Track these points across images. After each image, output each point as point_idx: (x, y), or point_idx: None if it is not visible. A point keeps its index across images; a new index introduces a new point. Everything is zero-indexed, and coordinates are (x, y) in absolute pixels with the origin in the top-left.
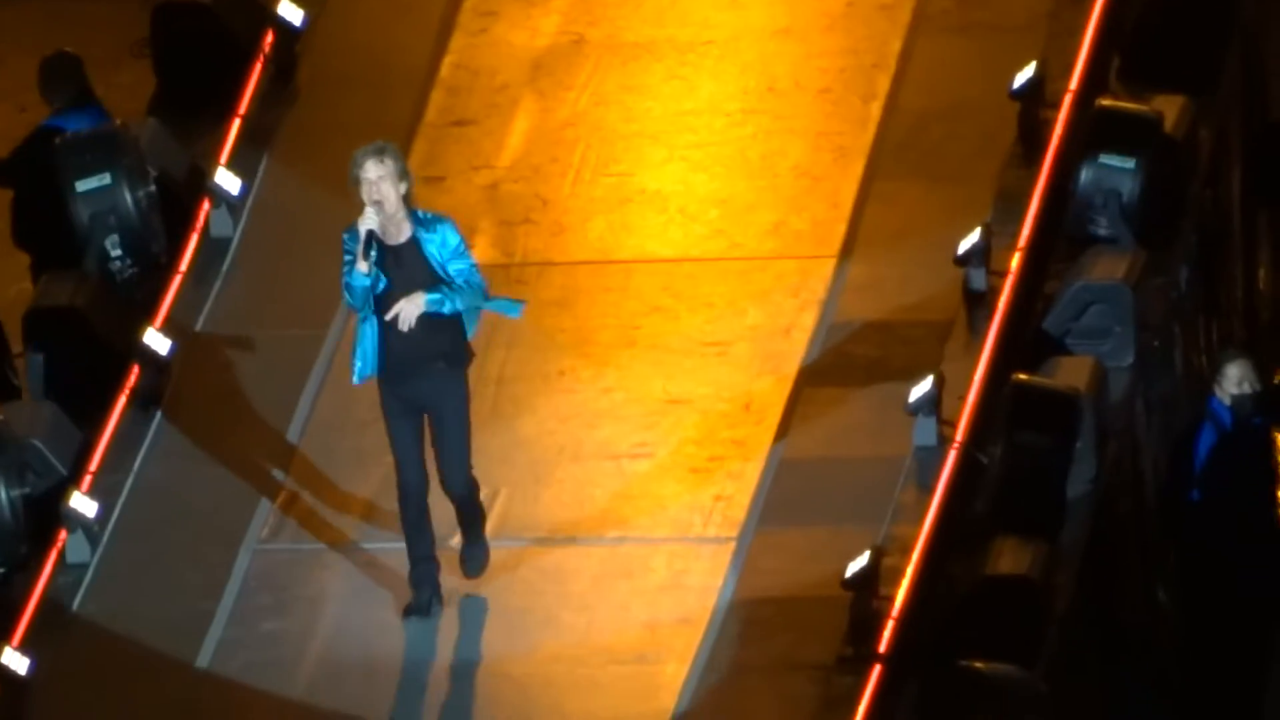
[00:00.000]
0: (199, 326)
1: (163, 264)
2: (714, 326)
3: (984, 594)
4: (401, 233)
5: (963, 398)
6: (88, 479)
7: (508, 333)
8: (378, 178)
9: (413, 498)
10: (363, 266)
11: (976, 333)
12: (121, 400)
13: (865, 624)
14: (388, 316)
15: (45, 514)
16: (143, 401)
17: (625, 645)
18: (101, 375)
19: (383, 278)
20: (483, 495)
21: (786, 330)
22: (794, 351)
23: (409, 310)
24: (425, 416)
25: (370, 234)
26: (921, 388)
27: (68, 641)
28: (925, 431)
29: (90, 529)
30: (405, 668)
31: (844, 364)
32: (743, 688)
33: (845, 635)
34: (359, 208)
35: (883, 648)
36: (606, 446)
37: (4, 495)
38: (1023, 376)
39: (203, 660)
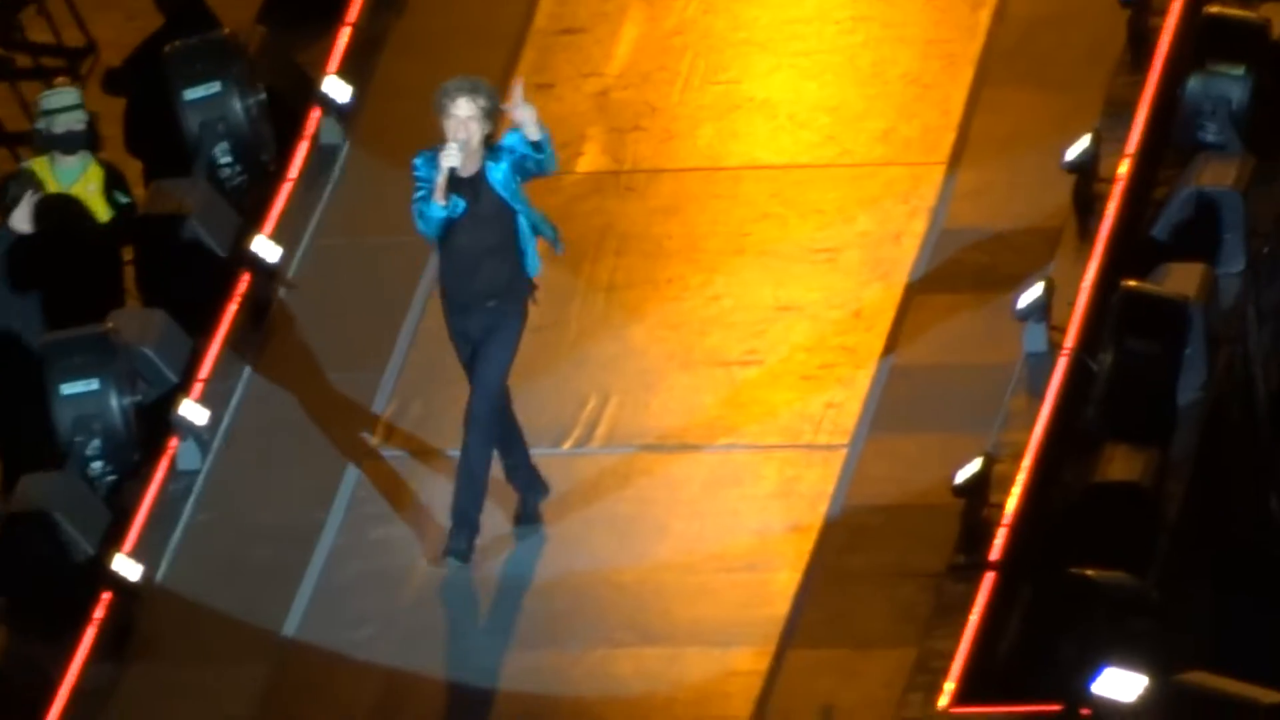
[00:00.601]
0: (308, 234)
1: (272, 171)
2: (824, 233)
3: (1094, 501)
4: (475, 164)
5: (1072, 304)
6: (198, 386)
7: (617, 240)
8: (468, 116)
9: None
10: (440, 200)
11: (1086, 239)
12: (231, 307)
13: (976, 531)
14: (514, 110)
15: (156, 421)
16: (252, 309)
17: (736, 553)
18: (211, 282)
19: (460, 205)
20: (592, 403)
21: (896, 237)
22: (904, 258)
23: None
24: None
25: (452, 171)
26: (1031, 294)
27: (178, 549)
28: (1035, 338)
29: (201, 436)
30: (514, 576)
31: (954, 270)
32: (854, 595)
33: (956, 543)
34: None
35: (994, 555)
36: (716, 354)
37: (115, 403)
38: (1132, 283)
39: (313, 568)
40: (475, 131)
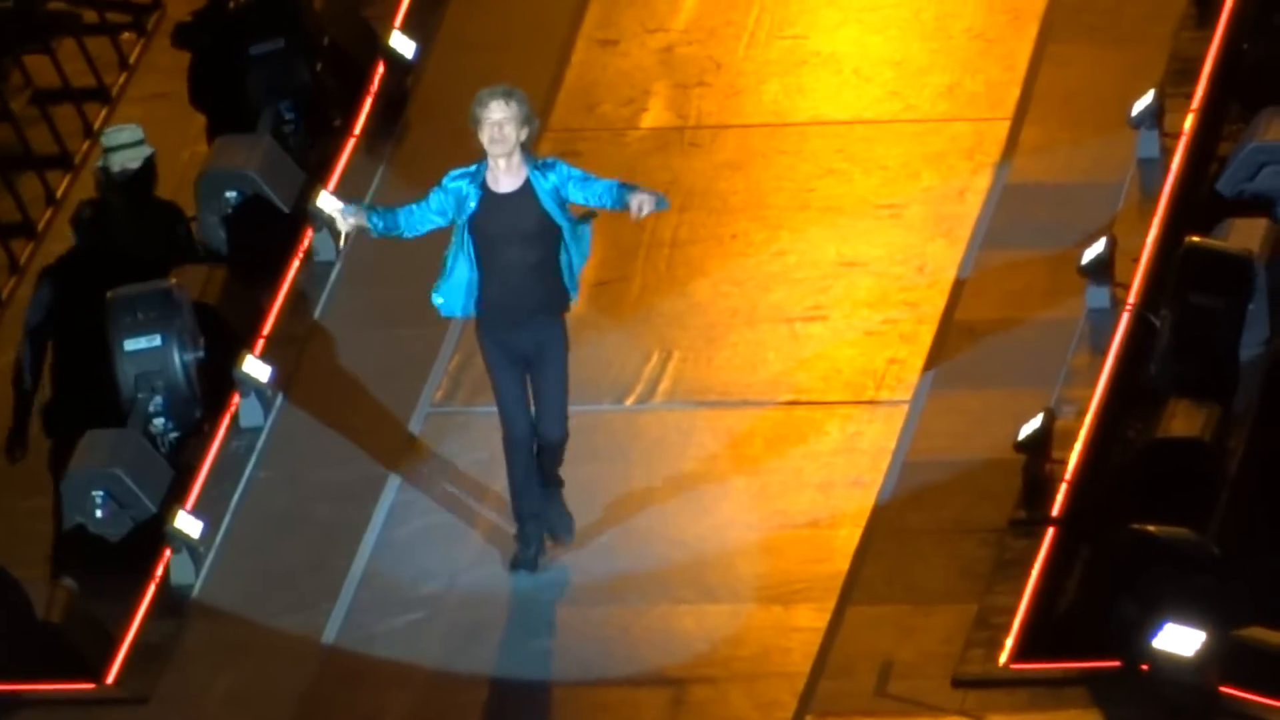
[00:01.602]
0: (373, 189)
1: (337, 127)
2: (888, 189)
3: (1156, 456)
4: (515, 180)
5: (1136, 260)
6: (261, 343)
7: (681, 196)
8: (502, 119)
9: (520, 449)
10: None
11: (1150, 195)
12: (295, 263)
13: (1038, 487)
14: (634, 208)
15: (219, 378)
16: (315, 264)
17: (798, 509)
18: (275, 237)
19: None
20: (655, 359)
21: (960, 192)
22: (968, 214)
23: (647, 202)
24: (527, 364)
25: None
26: (1095, 250)
27: (241, 506)
28: (1098, 294)
29: (264, 393)
30: (578, 529)
31: (1017, 226)
32: (915, 551)
33: (1018, 498)
34: (533, 71)
35: (1055, 511)
36: (780, 309)
37: (178, 359)
38: (1196, 239)
39: (375, 523)
40: (510, 135)
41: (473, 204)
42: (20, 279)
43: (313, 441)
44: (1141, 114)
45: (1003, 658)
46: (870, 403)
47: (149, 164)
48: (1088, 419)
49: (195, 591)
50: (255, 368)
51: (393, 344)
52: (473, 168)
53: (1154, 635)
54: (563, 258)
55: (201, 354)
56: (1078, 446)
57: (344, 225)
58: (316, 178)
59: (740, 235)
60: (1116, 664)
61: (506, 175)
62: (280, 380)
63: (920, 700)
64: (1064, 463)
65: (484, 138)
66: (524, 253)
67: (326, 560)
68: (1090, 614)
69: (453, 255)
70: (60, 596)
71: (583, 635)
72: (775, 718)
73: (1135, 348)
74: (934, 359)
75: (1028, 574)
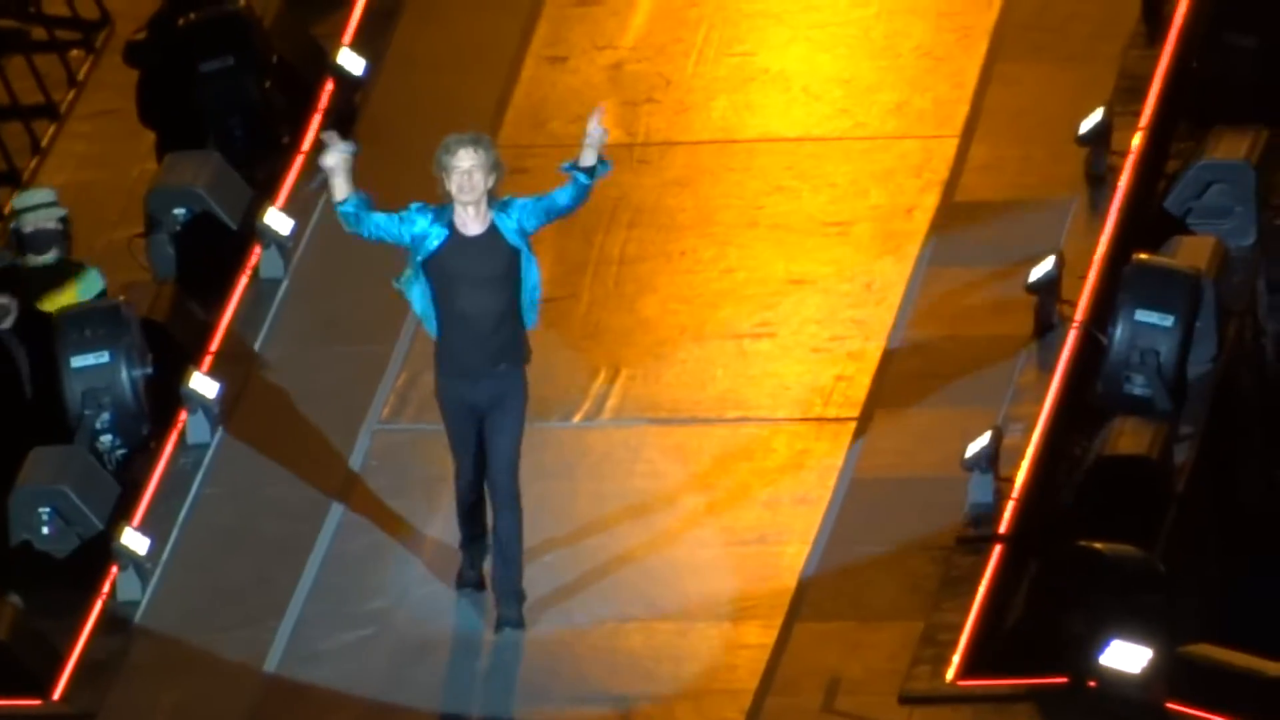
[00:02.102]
0: (319, 208)
1: (285, 144)
2: (836, 206)
3: (1103, 474)
4: (482, 223)
5: (1083, 277)
6: (208, 359)
7: (630, 212)
8: (471, 166)
9: (468, 499)
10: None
11: (1098, 212)
12: (243, 281)
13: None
14: (592, 139)
15: (166, 394)
16: (263, 280)
17: (746, 525)
18: (223, 254)
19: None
20: (603, 375)
21: (908, 210)
22: (916, 231)
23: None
24: (482, 417)
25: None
26: (1042, 267)
27: (189, 522)
28: (1046, 313)
29: (211, 410)
30: (525, 546)
31: (965, 244)
32: (863, 568)
33: (964, 516)
34: (482, 88)
35: (1002, 528)
36: (728, 326)
37: (125, 375)
38: (1144, 256)
39: (323, 540)
40: (479, 183)
41: (434, 243)
42: None
43: (260, 458)
44: (1090, 132)
45: (950, 674)
46: (818, 419)
47: (64, 225)
48: (1035, 436)
49: (142, 608)
50: (203, 384)
51: (340, 361)
52: (439, 208)
53: (1101, 651)
54: (524, 300)
55: (149, 370)
56: (1025, 464)
57: (331, 159)
58: (265, 194)
59: (689, 252)
60: (1064, 680)
61: (474, 220)
62: (227, 397)
63: (867, 717)
64: (1011, 480)
65: (452, 186)
66: (487, 298)
67: (274, 576)
68: (1037, 630)
69: (410, 283)
70: (6, 613)
71: (529, 652)
72: None
73: (1083, 365)
74: (881, 376)
75: (975, 591)
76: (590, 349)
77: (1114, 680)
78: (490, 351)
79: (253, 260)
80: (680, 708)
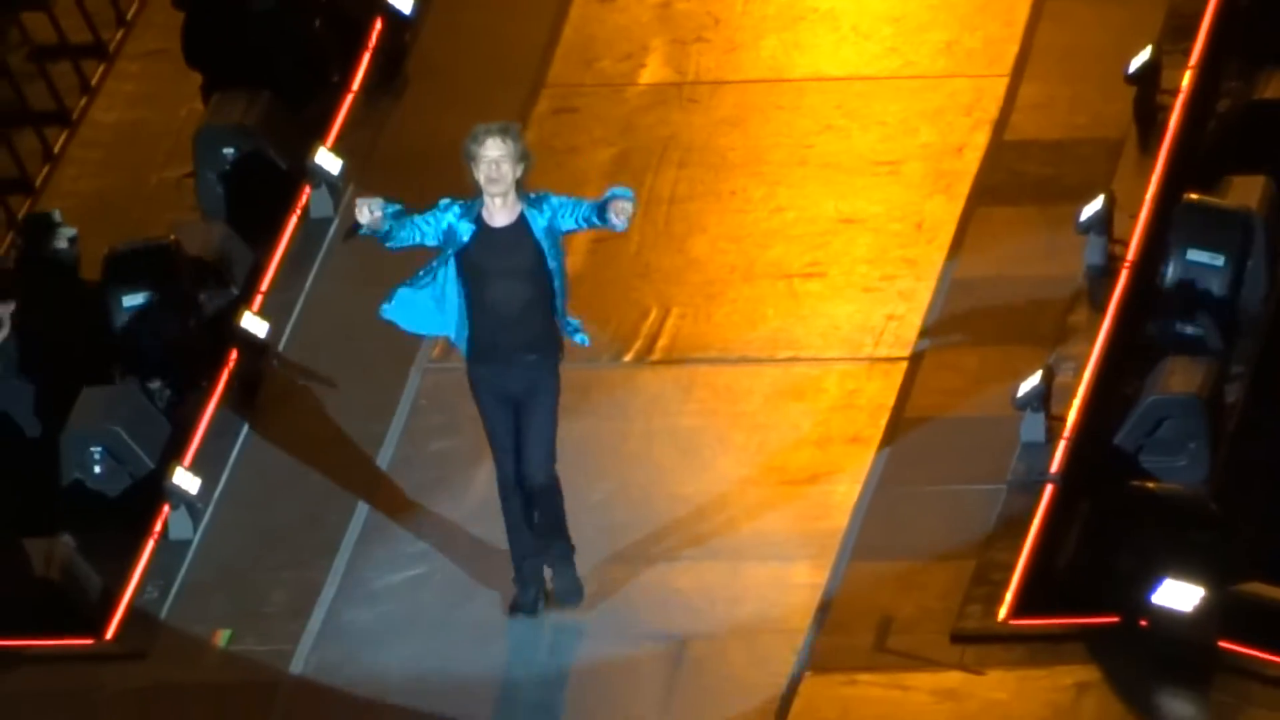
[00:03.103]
0: (371, 145)
1: (336, 82)
2: (886, 145)
3: (1155, 414)
4: (510, 215)
5: (1134, 216)
6: (259, 299)
7: (680, 152)
8: (499, 156)
9: (513, 491)
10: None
11: (1148, 151)
12: (293, 219)
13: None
14: (615, 219)
15: (218, 334)
16: (313, 220)
17: (796, 466)
18: (274, 193)
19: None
20: (654, 315)
21: (958, 149)
22: (966, 170)
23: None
24: (518, 406)
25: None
26: (1093, 206)
27: (240, 461)
28: (1096, 250)
29: (262, 349)
30: (575, 489)
31: (1015, 183)
32: (913, 508)
33: (1016, 455)
34: (531, 26)
35: (1054, 468)
36: (778, 266)
37: (176, 315)
38: (1195, 195)
39: (374, 478)
40: (507, 173)
41: (465, 238)
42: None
43: (310, 397)
44: (1139, 70)
45: (1002, 613)
46: (869, 359)
47: (73, 245)
48: (1086, 376)
49: (193, 547)
50: (253, 324)
51: None
52: (468, 201)
53: (1153, 591)
54: (557, 300)
55: (200, 310)
56: (1076, 403)
57: (365, 218)
58: (314, 133)
59: (739, 192)
60: (1115, 619)
61: (502, 211)
62: (277, 335)
63: (919, 655)
64: (1063, 419)
65: (480, 175)
66: (517, 289)
67: (324, 516)
68: (1089, 570)
69: (437, 278)
70: (58, 553)
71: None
72: (774, 674)
73: (1134, 304)
74: (932, 315)
75: (1027, 530)
76: (640, 289)
77: (1166, 619)
78: (521, 340)
79: (302, 199)
80: (732, 647)
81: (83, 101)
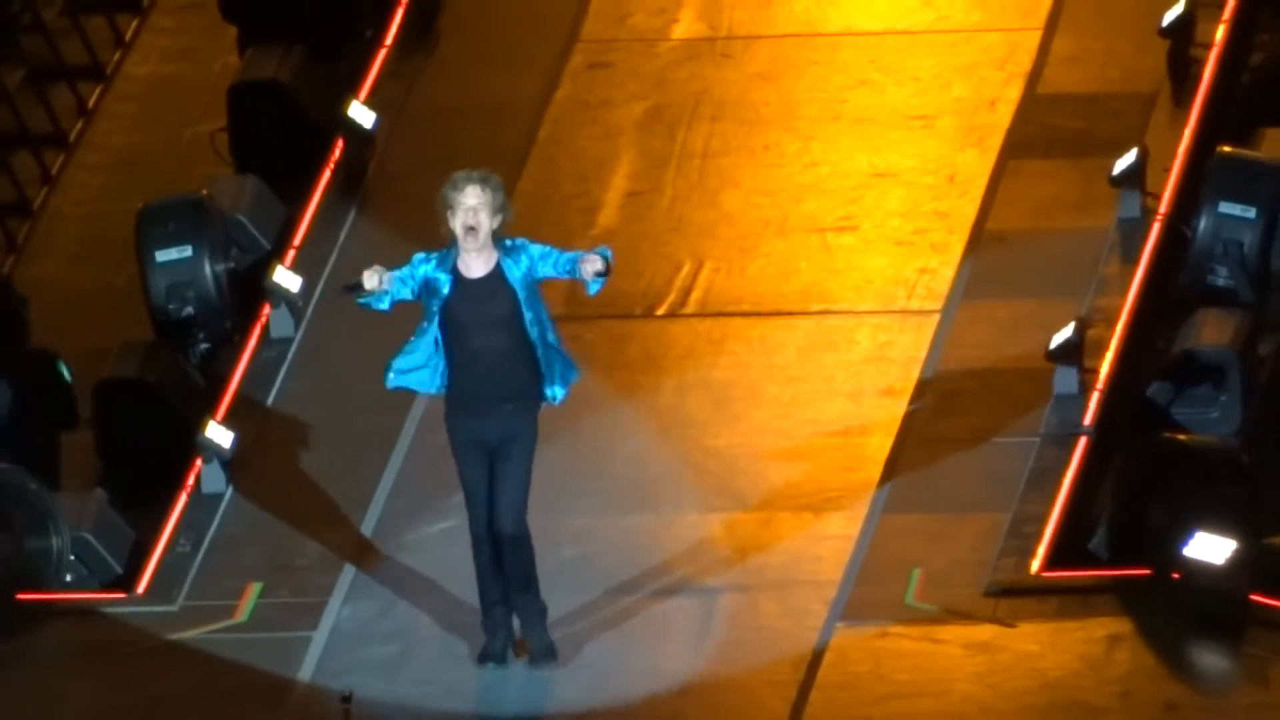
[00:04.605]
0: (404, 99)
1: (369, 37)
2: (919, 99)
3: (1187, 365)
4: (486, 265)
5: (1167, 169)
6: (291, 254)
7: (713, 106)
8: (477, 204)
9: (485, 539)
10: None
11: (1181, 104)
12: (326, 174)
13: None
14: (585, 275)
15: (250, 289)
16: (347, 174)
17: (830, 417)
18: (307, 148)
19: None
20: (687, 269)
21: (991, 103)
22: (999, 124)
23: (597, 266)
24: (492, 455)
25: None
26: (1126, 160)
27: (272, 416)
28: (1130, 203)
29: (295, 304)
30: (607, 440)
31: (1048, 136)
32: (946, 460)
33: (1049, 408)
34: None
35: (1087, 420)
36: (811, 220)
37: (209, 270)
38: (1227, 148)
39: (406, 433)
40: (484, 223)
41: (445, 290)
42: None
43: (344, 352)
44: (1173, 24)
45: (1034, 566)
46: (901, 312)
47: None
48: (1118, 328)
49: (226, 501)
50: (286, 278)
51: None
52: (442, 252)
53: (1185, 543)
54: (539, 351)
55: (233, 264)
56: (1109, 355)
57: (371, 283)
58: (347, 88)
59: (772, 146)
60: (1147, 572)
61: (477, 261)
62: (311, 290)
63: (952, 608)
64: (1095, 372)
65: (456, 224)
66: (493, 339)
67: (358, 469)
68: (1122, 523)
69: (428, 334)
70: (90, 507)
71: (612, 543)
72: (806, 626)
73: (1166, 257)
74: (965, 268)
75: (1059, 482)
76: (674, 243)
77: (1198, 572)
78: (499, 389)
79: (336, 154)
80: (764, 599)
81: (116, 55)
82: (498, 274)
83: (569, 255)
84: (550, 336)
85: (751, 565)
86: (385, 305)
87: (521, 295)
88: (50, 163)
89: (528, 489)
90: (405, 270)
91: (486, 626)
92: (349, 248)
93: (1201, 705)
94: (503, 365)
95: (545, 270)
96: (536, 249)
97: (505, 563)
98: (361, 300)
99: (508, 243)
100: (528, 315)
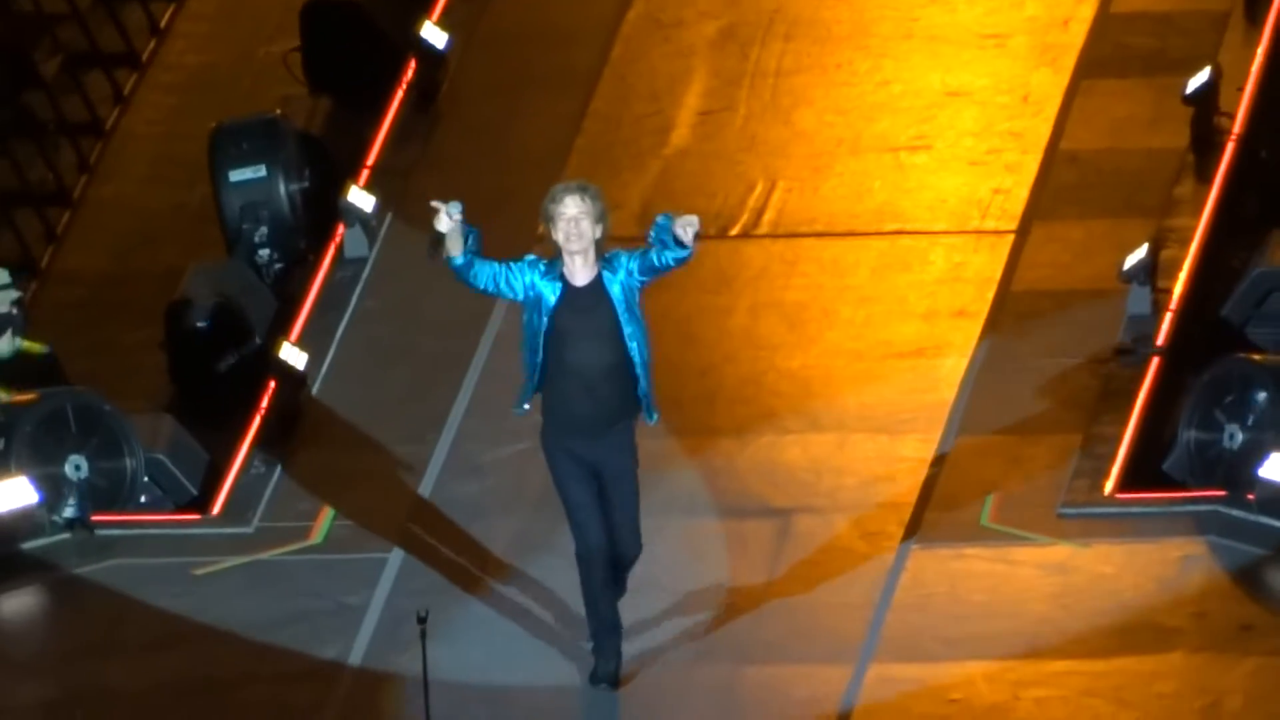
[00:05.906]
0: (477, 20)
1: None
2: (992, 18)
3: (1262, 285)
4: (589, 274)
5: (1241, 89)
6: (365, 174)
7: (786, 25)
8: (578, 214)
9: (597, 561)
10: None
11: (1255, 23)
12: (399, 94)
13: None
14: (684, 230)
15: (323, 209)
16: (420, 95)
17: (903, 339)
18: (380, 68)
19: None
20: (760, 189)
21: (1065, 22)
22: (1072, 43)
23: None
24: (597, 475)
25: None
26: (1199, 78)
27: (346, 336)
28: (1202, 122)
29: (368, 224)
30: (679, 362)
31: (1122, 55)
32: (1021, 381)
33: (1123, 328)
34: None
35: (1161, 340)
36: (884, 139)
37: (283, 190)
38: None
39: (480, 355)
40: (586, 231)
41: (553, 298)
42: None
43: (417, 273)
44: None
45: (1108, 487)
46: (975, 232)
47: (22, 305)
48: (1192, 248)
49: (302, 421)
50: (360, 198)
51: (499, 173)
52: (550, 260)
53: (1260, 464)
54: (637, 369)
55: (306, 184)
56: (1183, 276)
57: (445, 225)
58: (420, 6)
59: (845, 64)
60: (1222, 493)
61: (583, 270)
62: (384, 211)
63: (1026, 530)
64: (1169, 292)
65: (559, 235)
66: (596, 353)
67: (433, 391)
68: (1196, 444)
69: (530, 348)
70: (165, 429)
71: (686, 465)
72: (882, 547)
73: (1240, 178)
74: (1038, 189)
75: (1133, 403)
76: (747, 162)
77: (1273, 493)
78: (602, 410)
79: (409, 75)
80: (839, 520)
81: (162, 26)
82: (599, 284)
83: (646, 254)
84: (648, 356)
85: (826, 487)
86: (475, 283)
87: (621, 307)
88: (123, 82)
89: (639, 506)
90: (514, 266)
91: (598, 653)
92: (423, 169)
93: (1276, 626)
94: (604, 383)
95: (644, 265)
96: (626, 255)
97: (620, 572)
98: (454, 266)
99: (607, 255)
100: (627, 329)
